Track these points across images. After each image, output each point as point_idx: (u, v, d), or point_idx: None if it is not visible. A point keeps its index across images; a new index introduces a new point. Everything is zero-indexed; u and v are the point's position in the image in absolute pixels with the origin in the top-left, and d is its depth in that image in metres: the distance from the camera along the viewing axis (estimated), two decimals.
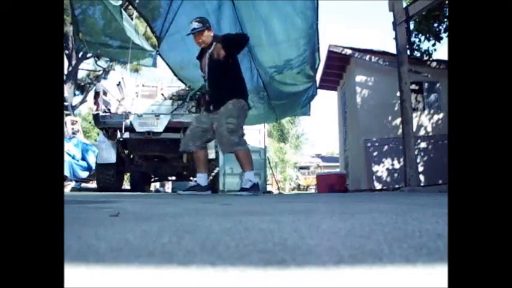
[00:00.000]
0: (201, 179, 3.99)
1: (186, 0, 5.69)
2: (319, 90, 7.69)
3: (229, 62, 3.82)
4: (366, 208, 1.68)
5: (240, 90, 3.93)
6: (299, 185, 28.39)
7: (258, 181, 4.09)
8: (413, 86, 8.61)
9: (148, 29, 7.67)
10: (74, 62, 16.82)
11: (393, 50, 7.17)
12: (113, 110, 5.80)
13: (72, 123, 9.95)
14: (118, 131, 5.47)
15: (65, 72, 16.18)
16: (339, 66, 10.60)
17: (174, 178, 8.19)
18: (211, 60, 3.86)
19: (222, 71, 3.85)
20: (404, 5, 6.66)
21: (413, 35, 8.83)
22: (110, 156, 5.79)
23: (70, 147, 8.35)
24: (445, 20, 8.38)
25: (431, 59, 9.11)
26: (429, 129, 9.29)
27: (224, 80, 3.84)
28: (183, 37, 6.31)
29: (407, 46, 6.36)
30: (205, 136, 3.97)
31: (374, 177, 8.61)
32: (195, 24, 3.88)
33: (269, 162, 11.63)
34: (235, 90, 3.88)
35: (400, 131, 7.36)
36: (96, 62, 10.11)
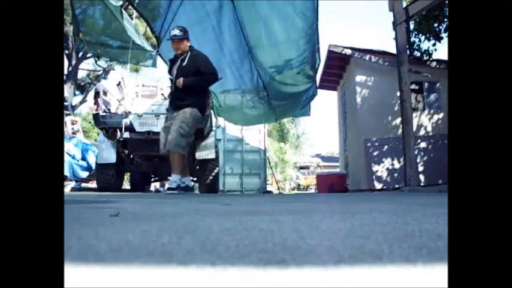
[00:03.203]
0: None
1: (186, 1, 5.68)
2: (319, 90, 7.67)
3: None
4: (366, 208, 1.68)
5: (196, 102, 4.24)
6: (299, 185, 28.37)
7: (191, 184, 4.43)
8: (413, 86, 8.60)
9: (148, 29, 7.66)
10: (74, 62, 16.80)
11: (393, 50, 7.17)
12: (112, 110, 5.80)
13: (72, 123, 9.94)
14: (118, 131, 5.46)
15: (65, 72, 16.16)
16: (339, 66, 10.59)
17: None
18: (181, 67, 4.19)
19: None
20: (404, 5, 6.66)
21: (413, 35, 8.82)
22: (110, 156, 5.78)
23: (70, 147, 8.35)
24: (445, 20, 8.37)
25: (431, 59, 9.10)
26: (429, 129, 9.29)
27: (185, 88, 4.14)
28: None
29: (407, 46, 6.36)
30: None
31: (374, 177, 8.60)
32: (177, 32, 4.18)
33: (269, 162, 11.60)
34: (193, 100, 4.21)
35: (400, 131, 7.35)
36: (96, 62, 10.10)
